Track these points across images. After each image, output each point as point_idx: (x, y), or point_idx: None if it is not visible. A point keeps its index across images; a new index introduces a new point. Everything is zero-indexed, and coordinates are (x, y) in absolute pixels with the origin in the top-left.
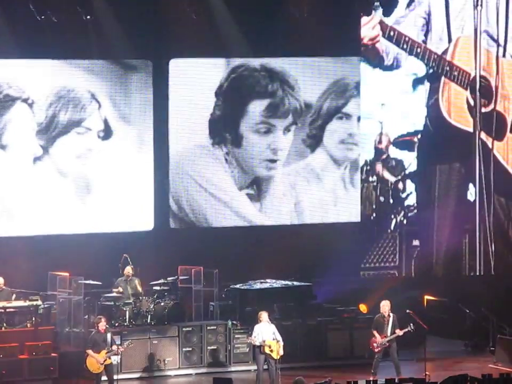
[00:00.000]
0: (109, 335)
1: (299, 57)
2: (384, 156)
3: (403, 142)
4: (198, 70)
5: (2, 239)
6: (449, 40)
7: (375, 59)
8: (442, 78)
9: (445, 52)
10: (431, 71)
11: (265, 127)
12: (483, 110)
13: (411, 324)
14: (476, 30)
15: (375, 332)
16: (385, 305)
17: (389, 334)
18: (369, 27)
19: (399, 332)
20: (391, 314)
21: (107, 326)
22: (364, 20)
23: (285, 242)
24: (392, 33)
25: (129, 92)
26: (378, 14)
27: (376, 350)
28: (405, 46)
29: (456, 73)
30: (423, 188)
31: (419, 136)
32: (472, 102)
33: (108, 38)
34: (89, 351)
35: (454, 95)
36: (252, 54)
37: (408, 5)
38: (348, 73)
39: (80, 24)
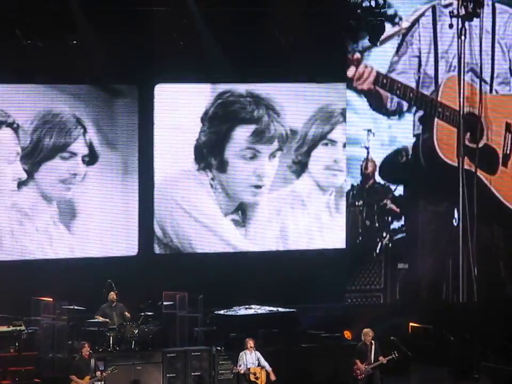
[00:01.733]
0: (92, 361)
1: (285, 83)
2: (370, 181)
3: (389, 168)
4: (184, 95)
5: None
6: (436, 81)
7: (378, 105)
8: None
9: (436, 92)
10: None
11: (250, 153)
12: (475, 145)
13: (394, 352)
14: (459, 66)
15: (357, 361)
16: (367, 334)
17: (372, 361)
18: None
19: (383, 360)
20: (373, 342)
21: (91, 351)
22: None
23: (270, 268)
24: (384, 81)
25: (114, 117)
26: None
27: (359, 377)
28: (397, 92)
29: (448, 113)
30: (409, 211)
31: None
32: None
33: (94, 62)
34: (73, 377)
35: (447, 134)
36: (237, 79)
37: (398, 49)
38: (334, 99)
39: (66, 49)
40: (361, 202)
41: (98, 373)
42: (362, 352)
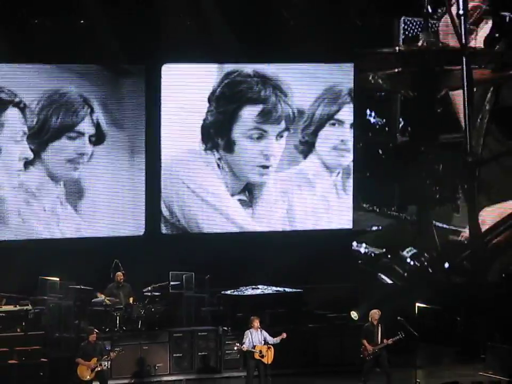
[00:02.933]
0: (99, 345)
1: (292, 63)
2: None
3: None
4: (191, 75)
5: None
6: None
7: None
8: None
9: None
10: None
11: (257, 133)
12: None
13: (401, 332)
14: None
15: (364, 341)
16: (374, 314)
17: (379, 343)
18: None
19: (387, 341)
20: (380, 323)
21: (97, 336)
22: None
23: (276, 249)
24: None
25: (121, 97)
26: None
27: (367, 358)
28: None
29: None
30: None
31: None
32: None
33: (101, 42)
34: (80, 360)
35: None
36: (245, 59)
37: None
38: (341, 79)
39: (73, 28)
40: None
41: (104, 355)
42: (370, 332)
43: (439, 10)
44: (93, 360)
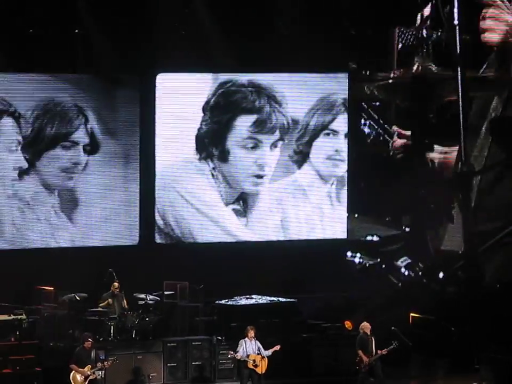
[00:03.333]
0: (93, 352)
1: (287, 73)
2: None
3: None
4: (186, 85)
5: None
6: None
7: None
8: None
9: None
10: None
11: (252, 143)
12: None
13: (394, 341)
14: None
15: (360, 352)
16: (366, 327)
17: (373, 352)
18: None
19: (382, 352)
20: (372, 334)
21: (93, 343)
22: None
23: (270, 258)
24: None
25: (116, 107)
26: None
27: (363, 370)
28: None
29: None
30: None
31: None
32: None
33: (95, 52)
34: (73, 366)
35: None
36: (239, 69)
37: None
38: (336, 89)
39: (68, 38)
40: None
41: (99, 364)
42: (365, 342)
43: (434, 36)
44: (87, 367)
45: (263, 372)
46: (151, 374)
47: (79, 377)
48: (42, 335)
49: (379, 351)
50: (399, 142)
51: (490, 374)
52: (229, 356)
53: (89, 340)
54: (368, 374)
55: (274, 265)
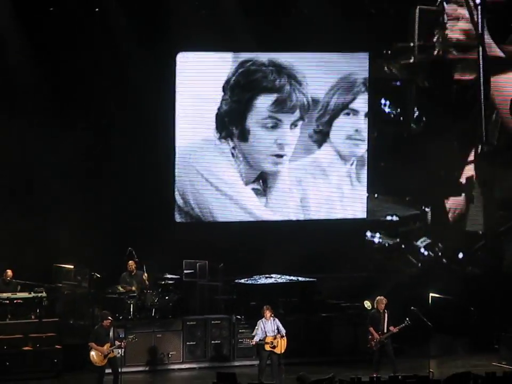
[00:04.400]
0: (112, 330)
1: (307, 52)
2: None
3: None
4: (206, 64)
5: None
6: None
7: None
8: None
9: None
10: None
11: (272, 122)
12: None
13: (407, 319)
14: None
15: (371, 329)
16: (381, 301)
17: (385, 331)
18: None
19: (394, 329)
20: (386, 311)
21: (112, 321)
22: None
23: (290, 238)
24: None
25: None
26: None
27: (374, 348)
28: None
29: None
30: None
31: None
32: None
33: (115, 30)
34: (93, 344)
35: None
36: (260, 48)
37: None
38: (356, 69)
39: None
40: None
41: (117, 342)
42: (376, 319)
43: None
44: (106, 346)
45: (282, 352)
46: (170, 353)
47: (98, 355)
48: (63, 313)
49: (391, 328)
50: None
51: (509, 353)
52: (250, 344)
53: (109, 318)
54: (380, 352)
55: (294, 245)
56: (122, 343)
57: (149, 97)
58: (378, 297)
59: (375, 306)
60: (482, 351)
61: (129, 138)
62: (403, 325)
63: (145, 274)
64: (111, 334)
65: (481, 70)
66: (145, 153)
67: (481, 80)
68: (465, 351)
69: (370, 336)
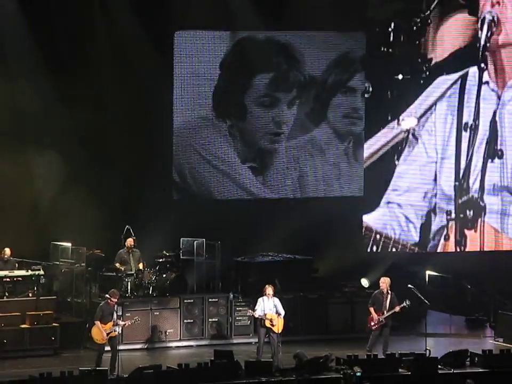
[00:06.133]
0: (116, 308)
1: (304, 30)
2: None
3: None
4: (203, 42)
5: None
6: None
7: None
8: None
9: None
10: None
11: (269, 100)
12: None
13: (406, 300)
14: None
15: (371, 309)
16: (384, 282)
17: (386, 311)
18: None
19: (397, 309)
20: (389, 292)
21: (118, 299)
22: None
23: (287, 216)
24: None
25: None
26: None
27: (373, 328)
28: None
29: None
30: None
31: None
32: None
33: (112, 9)
34: (97, 322)
35: None
36: (257, 27)
37: None
38: (353, 47)
39: None
40: None
41: (121, 322)
42: (378, 300)
43: None
44: (109, 325)
45: (279, 331)
46: (168, 330)
47: (101, 333)
48: (60, 291)
49: (396, 307)
50: None
51: (506, 331)
52: (248, 314)
53: (116, 297)
54: (380, 332)
55: (291, 223)
56: (126, 323)
57: (147, 75)
58: (382, 278)
59: (379, 286)
60: (479, 329)
61: (126, 116)
62: (402, 305)
63: (142, 263)
64: (115, 313)
65: None
66: (142, 131)
67: None
68: (462, 329)
69: (369, 317)
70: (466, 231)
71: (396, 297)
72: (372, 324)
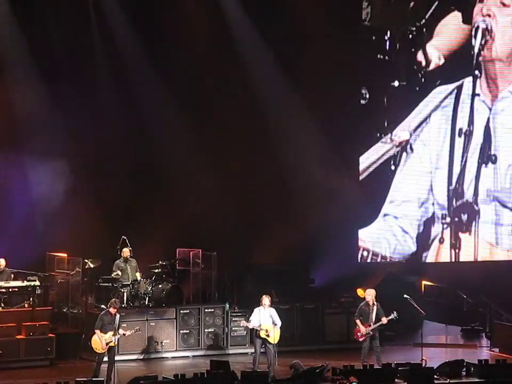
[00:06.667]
0: (117, 318)
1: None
2: None
3: None
4: None
5: None
6: None
7: None
8: None
9: None
10: None
11: None
12: None
13: (394, 312)
14: None
15: (358, 321)
16: (369, 294)
17: (373, 323)
18: None
19: (384, 320)
20: (375, 303)
21: (118, 309)
22: None
23: (284, 226)
24: None
25: None
26: None
27: (360, 340)
28: None
29: None
30: None
31: None
32: None
33: None
34: (98, 332)
35: None
36: None
37: None
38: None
39: None
40: None
41: (121, 331)
42: (364, 312)
43: None
44: (109, 334)
45: (275, 341)
46: (164, 341)
47: (100, 342)
48: (56, 302)
49: (382, 319)
50: None
51: (502, 341)
52: (241, 325)
53: (116, 306)
54: (368, 343)
55: (287, 233)
56: (127, 333)
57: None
58: (367, 290)
59: (365, 298)
60: (475, 338)
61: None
62: (390, 317)
63: (138, 273)
64: (115, 322)
65: None
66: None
67: None
68: (458, 339)
69: (356, 328)
70: (460, 234)
71: (381, 308)
72: (359, 335)
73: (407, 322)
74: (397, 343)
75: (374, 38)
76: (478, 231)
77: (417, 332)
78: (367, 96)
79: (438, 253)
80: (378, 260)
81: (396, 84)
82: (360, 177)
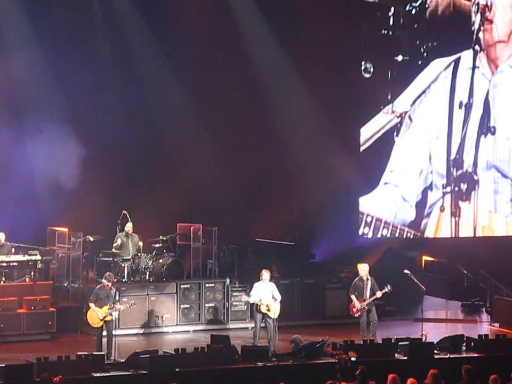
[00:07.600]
0: (113, 292)
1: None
2: None
3: None
4: None
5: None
6: None
7: None
8: None
9: None
10: None
11: None
12: None
13: (388, 285)
14: None
15: (353, 297)
16: (363, 269)
17: (368, 298)
18: None
19: (378, 294)
20: (369, 278)
21: (113, 283)
22: None
23: (285, 200)
24: None
25: None
26: None
27: (356, 315)
28: None
29: None
30: None
31: None
32: None
33: None
34: (92, 305)
35: None
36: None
37: None
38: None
39: None
40: None
41: (117, 305)
42: (358, 287)
43: None
44: (104, 309)
45: (276, 316)
46: (165, 315)
47: (96, 316)
48: (57, 276)
49: (377, 293)
50: None
51: (502, 316)
52: (242, 300)
53: (111, 280)
54: (364, 318)
55: (288, 208)
56: (120, 307)
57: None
58: (360, 264)
59: (358, 273)
60: (475, 313)
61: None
62: (384, 291)
63: (141, 242)
64: (111, 296)
65: None
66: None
67: None
68: (458, 314)
69: (351, 304)
70: (460, 203)
71: (376, 283)
72: (354, 310)
73: (407, 297)
74: (397, 318)
75: (378, 14)
76: (478, 199)
77: (417, 306)
78: (372, 70)
79: (439, 221)
80: (382, 225)
81: (400, 58)
82: (361, 148)
